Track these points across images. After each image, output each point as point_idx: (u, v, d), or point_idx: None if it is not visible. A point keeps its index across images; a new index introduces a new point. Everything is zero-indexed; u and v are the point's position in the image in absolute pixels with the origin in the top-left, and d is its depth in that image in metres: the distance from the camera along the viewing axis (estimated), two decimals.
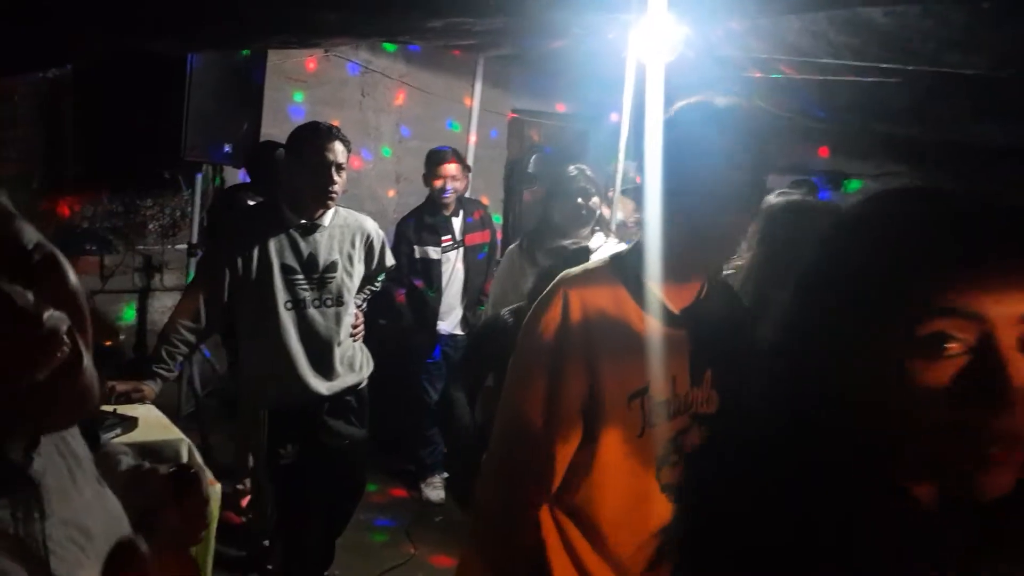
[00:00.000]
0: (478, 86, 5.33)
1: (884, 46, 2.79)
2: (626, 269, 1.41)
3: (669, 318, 1.39)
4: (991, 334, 0.61)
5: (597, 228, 3.17)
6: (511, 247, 3.21)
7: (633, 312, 1.38)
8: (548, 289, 1.42)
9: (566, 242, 2.85)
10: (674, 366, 1.39)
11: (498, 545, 1.40)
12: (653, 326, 1.37)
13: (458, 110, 5.30)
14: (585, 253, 2.24)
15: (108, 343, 3.96)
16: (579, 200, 3.10)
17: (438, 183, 3.88)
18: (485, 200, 4.80)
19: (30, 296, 0.69)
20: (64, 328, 0.72)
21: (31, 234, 0.75)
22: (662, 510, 1.43)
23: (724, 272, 2.91)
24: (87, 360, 0.75)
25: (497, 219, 4.65)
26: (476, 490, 1.45)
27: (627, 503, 1.39)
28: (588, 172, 3.15)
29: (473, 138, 5.36)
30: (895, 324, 0.63)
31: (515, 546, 1.37)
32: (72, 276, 0.77)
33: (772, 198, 2.85)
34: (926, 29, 2.51)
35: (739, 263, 2.95)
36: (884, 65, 2.91)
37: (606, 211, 3.33)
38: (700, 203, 1.30)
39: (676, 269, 1.37)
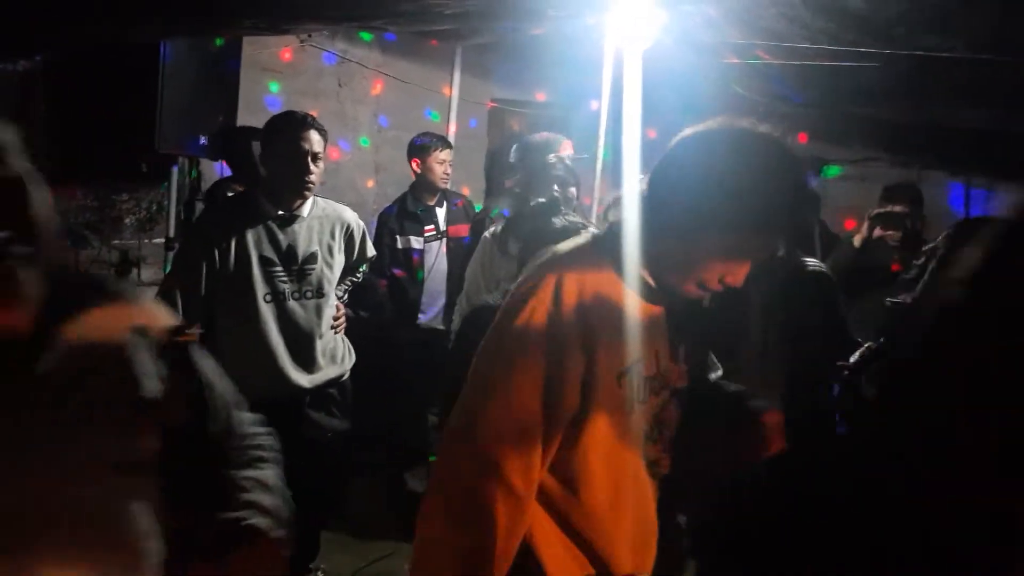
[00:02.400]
0: (457, 75, 5.29)
1: (860, 30, 2.79)
2: (614, 250, 1.41)
3: (650, 294, 1.42)
4: None
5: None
6: (484, 235, 3.13)
7: (622, 291, 1.39)
8: (534, 271, 1.42)
9: (555, 220, 2.83)
10: (656, 342, 1.43)
11: (470, 530, 1.32)
12: (638, 304, 1.40)
13: (437, 100, 5.26)
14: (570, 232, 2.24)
15: None
16: (557, 189, 3.03)
17: (439, 168, 3.88)
18: (466, 191, 4.79)
19: None
20: None
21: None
22: (645, 488, 1.45)
23: None
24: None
25: (478, 208, 4.65)
26: (445, 472, 1.40)
27: (618, 481, 1.40)
28: (567, 161, 3.12)
29: (452, 128, 5.32)
30: None
31: (488, 529, 1.31)
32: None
33: None
34: (902, 13, 2.52)
35: None
36: (861, 49, 2.92)
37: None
38: (715, 234, 1.31)
39: (661, 258, 1.40)
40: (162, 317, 1.12)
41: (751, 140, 1.32)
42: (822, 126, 5.08)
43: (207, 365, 1.14)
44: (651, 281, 1.42)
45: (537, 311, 1.33)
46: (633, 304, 1.39)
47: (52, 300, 1.00)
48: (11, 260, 0.93)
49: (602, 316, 1.36)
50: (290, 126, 2.63)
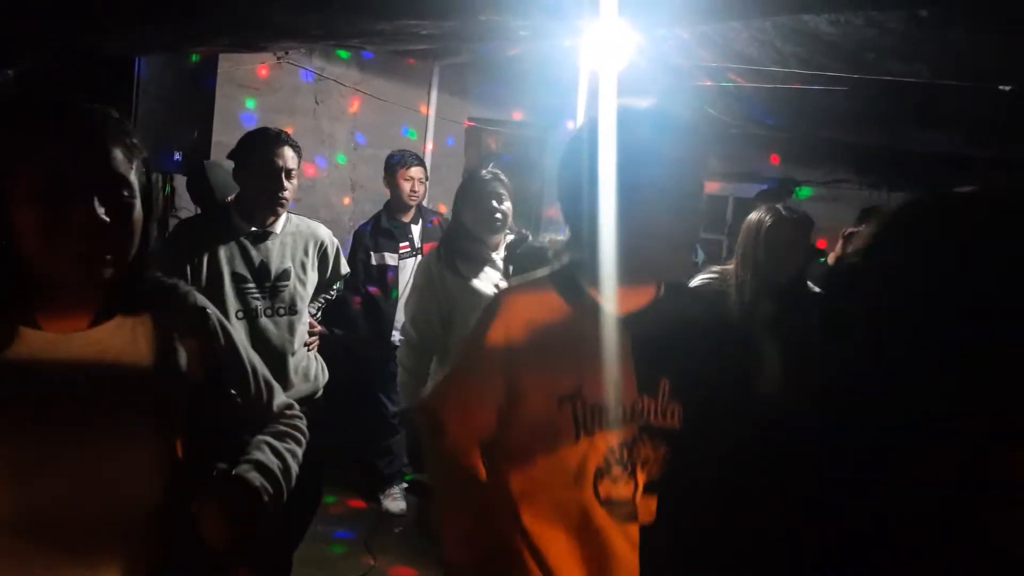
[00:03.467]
0: (434, 94, 5.32)
1: (829, 55, 2.86)
2: (563, 275, 1.41)
3: (609, 322, 1.36)
4: None
5: (510, 233, 3.03)
6: (425, 257, 3.02)
7: (565, 315, 1.37)
8: (496, 295, 1.48)
9: (537, 241, 2.82)
10: (616, 371, 1.33)
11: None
12: (587, 329, 1.35)
13: (414, 118, 5.29)
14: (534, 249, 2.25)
15: None
16: (492, 203, 2.90)
17: (399, 186, 3.91)
18: (443, 208, 4.80)
19: None
20: None
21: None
22: (601, 524, 1.35)
23: (700, 278, 2.95)
24: None
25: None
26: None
27: (559, 513, 1.36)
28: (502, 176, 2.99)
29: (430, 146, 5.35)
30: None
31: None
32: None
33: (753, 214, 2.92)
34: (869, 38, 2.58)
35: (717, 270, 2.99)
36: (830, 73, 2.98)
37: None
38: (641, 205, 1.29)
39: (620, 273, 1.34)
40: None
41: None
42: (793, 148, 5.17)
43: (248, 349, 1.37)
44: (615, 311, 1.37)
45: (479, 328, 1.42)
46: (579, 329, 1.35)
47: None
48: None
49: (533, 336, 1.35)
50: (264, 143, 2.62)
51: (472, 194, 2.94)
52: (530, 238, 3.02)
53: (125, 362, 1.12)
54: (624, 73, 3.10)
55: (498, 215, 2.90)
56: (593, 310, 1.36)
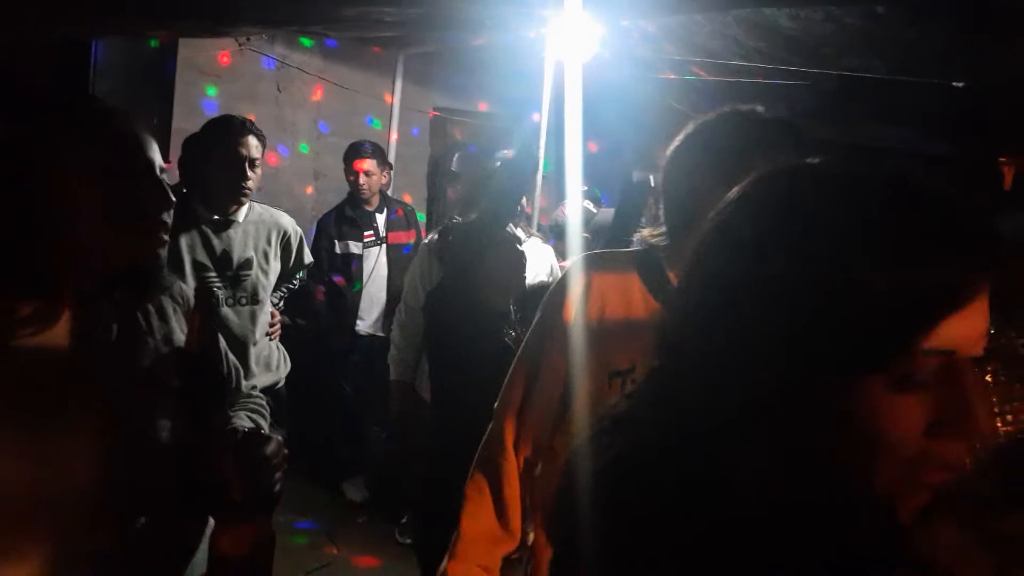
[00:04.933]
0: (399, 83, 5.28)
1: (790, 49, 2.91)
2: (647, 257, 1.43)
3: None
4: (957, 366, 0.59)
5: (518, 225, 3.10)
6: (425, 242, 2.99)
7: (641, 293, 1.40)
8: (573, 264, 1.48)
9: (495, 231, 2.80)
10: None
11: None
12: (653, 309, 1.38)
13: (378, 107, 5.24)
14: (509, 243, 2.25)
15: None
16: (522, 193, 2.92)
17: (351, 178, 3.90)
18: (408, 198, 4.77)
19: None
20: None
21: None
22: None
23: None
24: None
25: (421, 217, 4.63)
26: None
27: None
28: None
29: (394, 135, 5.31)
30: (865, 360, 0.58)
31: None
32: None
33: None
34: (828, 33, 2.63)
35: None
36: (790, 68, 3.04)
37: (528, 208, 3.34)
38: None
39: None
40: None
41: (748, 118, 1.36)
42: None
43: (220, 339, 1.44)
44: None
45: (553, 298, 1.46)
46: (645, 307, 1.37)
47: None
48: None
49: (609, 315, 1.38)
50: (228, 131, 2.59)
51: (505, 187, 2.84)
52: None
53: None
54: (589, 65, 3.12)
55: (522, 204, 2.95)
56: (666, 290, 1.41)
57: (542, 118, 3.43)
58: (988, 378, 1.17)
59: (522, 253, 2.74)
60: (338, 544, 3.57)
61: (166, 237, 1.13)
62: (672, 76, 3.54)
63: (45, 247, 1.01)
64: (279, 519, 3.27)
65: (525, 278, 2.73)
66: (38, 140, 1.01)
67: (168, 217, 1.13)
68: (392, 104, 5.30)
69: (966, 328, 0.58)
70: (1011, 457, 1.08)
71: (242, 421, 1.38)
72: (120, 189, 1.05)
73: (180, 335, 1.24)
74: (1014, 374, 1.18)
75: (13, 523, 0.99)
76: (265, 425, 1.46)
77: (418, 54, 5.11)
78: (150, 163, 1.10)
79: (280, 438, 1.24)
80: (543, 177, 3.55)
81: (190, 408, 1.19)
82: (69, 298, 1.07)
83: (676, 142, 1.38)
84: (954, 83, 2.83)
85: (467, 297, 2.54)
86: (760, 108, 1.37)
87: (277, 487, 1.16)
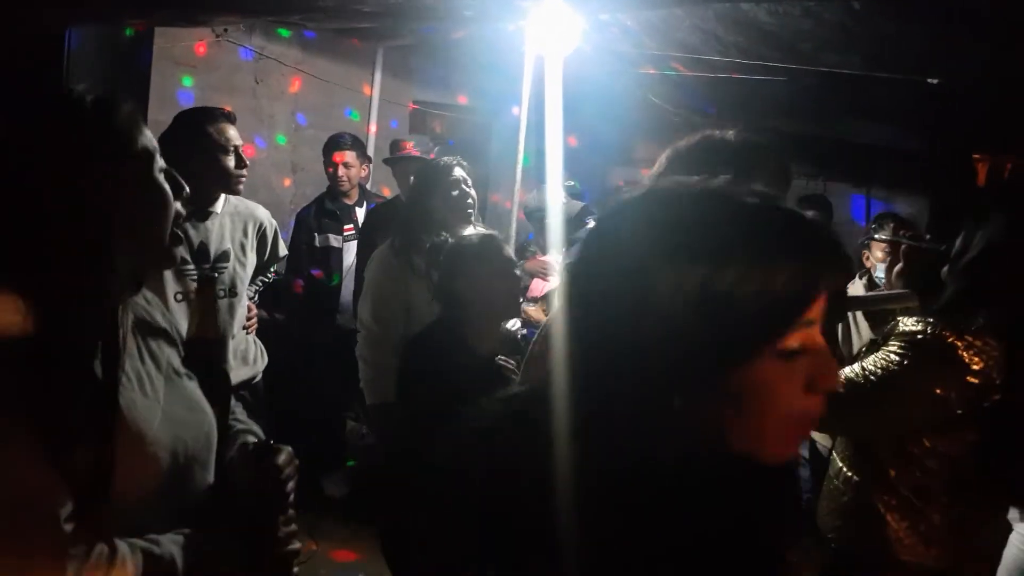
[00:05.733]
0: (378, 76, 5.26)
1: (769, 45, 2.93)
2: None
3: None
4: (816, 336, 0.73)
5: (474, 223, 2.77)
6: (381, 251, 2.76)
7: None
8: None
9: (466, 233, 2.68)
10: None
11: None
12: None
13: (357, 99, 5.21)
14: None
15: None
16: (464, 189, 2.71)
17: (330, 170, 3.88)
18: (387, 191, 4.75)
19: None
20: None
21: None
22: None
23: None
24: None
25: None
26: None
27: None
28: (464, 162, 2.78)
29: (373, 128, 5.28)
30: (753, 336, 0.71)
31: None
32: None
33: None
34: (806, 29, 2.65)
35: None
36: (769, 63, 3.05)
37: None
38: None
39: None
40: None
41: None
42: None
43: None
44: None
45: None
46: None
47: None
48: None
49: None
50: (213, 120, 2.54)
51: (440, 182, 2.71)
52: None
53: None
54: (569, 59, 3.12)
55: (469, 201, 2.71)
56: None
57: (522, 112, 3.43)
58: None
59: (519, 279, 2.46)
60: (317, 539, 3.55)
61: (179, 233, 1.12)
62: (652, 71, 3.55)
63: (66, 244, 1.00)
64: None
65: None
66: (45, 137, 0.99)
67: (181, 207, 1.12)
68: (371, 96, 5.27)
69: (819, 308, 0.72)
70: None
71: (248, 429, 1.40)
72: (133, 184, 1.04)
73: (185, 327, 1.25)
74: None
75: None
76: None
77: (397, 47, 5.09)
78: (152, 154, 1.08)
79: (291, 448, 1.28)
80: (523, 171, 3.55)
81: (211, 401, 1.22)
82: (86, 294, 1.06)
83: (654, 169, 1.41)
84: (930, 80, 2.86)
85: (463, 342, 2.14)
86: (731, 133, 1.40)
87: (291, 497, 1.21)
